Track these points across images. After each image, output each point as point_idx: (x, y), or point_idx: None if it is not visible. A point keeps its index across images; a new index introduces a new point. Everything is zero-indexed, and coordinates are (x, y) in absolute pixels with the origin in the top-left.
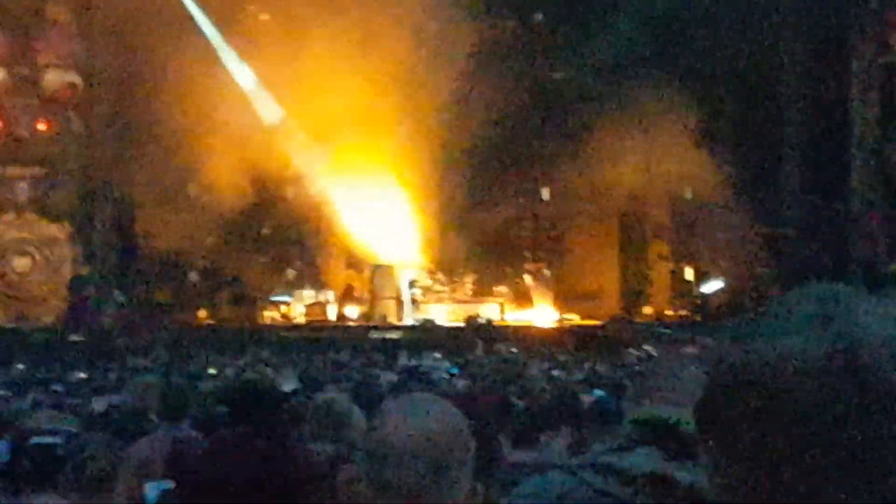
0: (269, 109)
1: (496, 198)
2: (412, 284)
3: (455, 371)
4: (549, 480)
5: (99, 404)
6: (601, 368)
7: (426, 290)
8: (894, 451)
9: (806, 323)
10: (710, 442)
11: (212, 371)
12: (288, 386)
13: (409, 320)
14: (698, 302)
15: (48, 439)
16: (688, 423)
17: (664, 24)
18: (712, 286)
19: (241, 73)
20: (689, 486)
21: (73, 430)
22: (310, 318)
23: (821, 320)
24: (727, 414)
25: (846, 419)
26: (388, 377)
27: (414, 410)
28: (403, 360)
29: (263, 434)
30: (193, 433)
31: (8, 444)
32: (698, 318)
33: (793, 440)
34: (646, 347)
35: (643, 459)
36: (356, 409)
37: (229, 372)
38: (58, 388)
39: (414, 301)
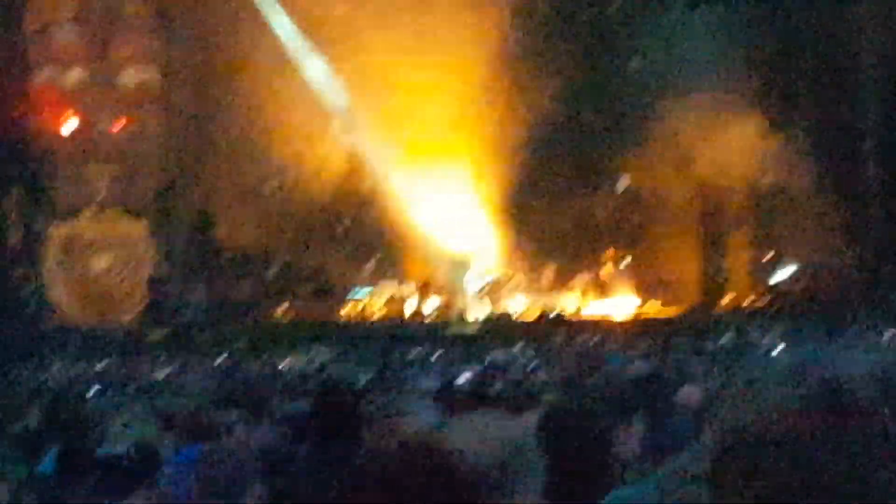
0: (344, 104)
1: (574, 187)
2: (487, 276)
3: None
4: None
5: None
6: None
7: (504, 282)
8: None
9: (786, 372)
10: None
11: (291, 368)
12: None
13: (486, 314)
14: (779, 291)
15: (115, 450)
16: None
17: (742, 9)
18: (784, 274)
19: (316, 67)
20: None
21: (147, 437)
22: (387, 314)
23: (798, 367)
24: (741, 471)
25: (839, 453)
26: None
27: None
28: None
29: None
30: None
31: (54, 454)
32: (777, 308)
33: (799, 483)
34: (726, 337)
35: None
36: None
37: (309, 368)
38: (136, 387)
39: (490, 294)
